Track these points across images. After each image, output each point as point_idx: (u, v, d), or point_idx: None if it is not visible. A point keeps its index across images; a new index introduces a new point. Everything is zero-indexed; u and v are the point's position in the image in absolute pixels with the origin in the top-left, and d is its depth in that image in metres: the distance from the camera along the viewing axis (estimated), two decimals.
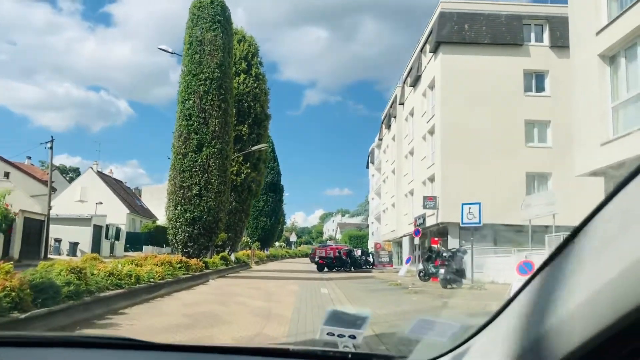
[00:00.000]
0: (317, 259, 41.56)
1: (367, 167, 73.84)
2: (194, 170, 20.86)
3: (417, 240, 26.88)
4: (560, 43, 31.52)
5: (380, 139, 56.89)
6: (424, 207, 31.31)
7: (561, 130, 30.97)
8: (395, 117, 47.32)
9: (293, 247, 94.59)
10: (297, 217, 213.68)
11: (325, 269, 32.20)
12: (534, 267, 13.66)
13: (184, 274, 16.74)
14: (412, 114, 40.65)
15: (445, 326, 1.38)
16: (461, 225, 18.04)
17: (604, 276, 0.69)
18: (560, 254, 0.82)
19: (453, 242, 30.52)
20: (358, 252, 34.73)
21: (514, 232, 31.31)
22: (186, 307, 11.15)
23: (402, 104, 44.27)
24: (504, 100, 31.17)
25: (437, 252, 21.70)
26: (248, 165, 27.98)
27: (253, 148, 26.99)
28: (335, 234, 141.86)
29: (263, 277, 23.52)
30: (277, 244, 76.58)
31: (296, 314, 10.61)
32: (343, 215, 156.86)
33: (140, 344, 1.59)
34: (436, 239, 24.05)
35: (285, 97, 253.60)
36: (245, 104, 27.81)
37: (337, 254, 32.67)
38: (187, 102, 21.17)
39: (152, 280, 13.24)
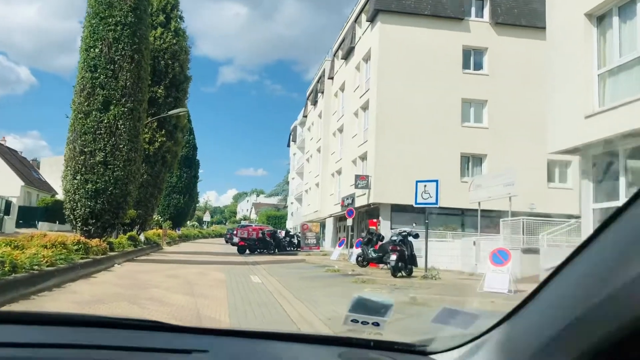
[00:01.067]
0: (236, 240, 38.78)
1: (288, 145, 71.24)
2: (98, 132, 17.33)
3: (349, 222, 24.84)
4: (501, 20, 30.34)
5: (305, 116, 54.41)
6: (356, 186, 29.26)
7: (498, 110, 29.88)
8: (322, 92, 44.93)
9: (206, 227, 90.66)
10: (209, 196, 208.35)
11: (247, 252, 29.45)
12: (510, 256, 11.59)
13: (82, 258, 13.46)
14: (342, 89, 38.41)
15: (468, 316, 1.38)
16: (415, 205, 15.95)
17: (631, 272, 0.69)
18: (587, 247, 0.81)
19: (385, 224, 28.74)
20: (282, 234, 32.17)
21: (445, 215, 30.09)
22: (81, 306, 8.13)
23: (331, 78, 41.91)
24: (442, 76, 29.59)
25: (378, 235, 19.60)
26: (163, 132, 24.49)
27: (170, 112, 23.54)
28: (250, 214, 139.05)
29: (179, 260, 20.43)
30: (189, 223, 72.55)
31: (235, 317, 7.92)
32: (258, 196, 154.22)
33: (166, 326, 1.58)
34: (375, 220, 21.98)
35: (200, 72, 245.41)
36: (162, 62, 24.22)
37: (260, 235, 29.97)
38: (92, 50, 17.50)
39: (36, 267, 10.00)
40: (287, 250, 31.13)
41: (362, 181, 28.95)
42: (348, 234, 26.65)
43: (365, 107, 32.20)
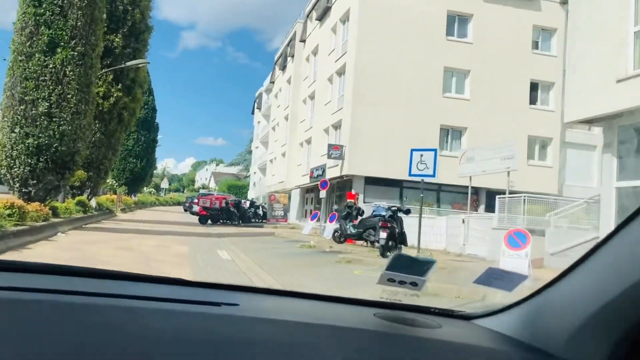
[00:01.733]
0: (196, 209, 36.64)
1: (253, 113, 68.62)
2: (42, 79, 14.81)
3: (323, 194, 23.02)
4: None
5: (272, 82, 51.89)
6: (329, 156, 27.39)
7: (481, 82, 28.37)
8: (292, 56, 42.53)
9: (163, 194, 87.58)
10: (167, 163, 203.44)
11: (209, 222, 27.37)
12: (528, 239, 9.79)
13: (15, 225, 11.21)
14: (315, 52, 36.17)
15: (514, 277, 1.31)
16: (409, 176, 14.15)
17: None
18: (628, 226, 0.81)
19: (359, 199, 27.04)
20: (246, 204, 30.08)
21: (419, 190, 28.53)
22: None
23: (303, 41, 39.53)
24: (424, 42, 27.75)
25: (358, 209, 17.86)
26: (120, 87, 21.85)
27: (129, 63, 20.93)
28: (209, 183, 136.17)
29: (134, 230, 18.22)
30: (146, 189, 69.56)
31: None
32: (217, 165, 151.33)
33: (192, 283, 1.57)
34: (353, 193, 20.23)
35: (160, 36, 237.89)
36: (121, 7, 21.46)
37: (223, 205, 27.88)
38: None
39: None
40: (252, 222, 29.15)
41: (335, 151, 27.09)
42: (323, 207, 24.85)
43: (341, 72, 30.15)
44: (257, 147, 62.42)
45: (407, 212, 15.09)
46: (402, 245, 14.20)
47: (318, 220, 21.96)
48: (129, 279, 1.56)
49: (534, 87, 29.35)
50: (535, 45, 29.47)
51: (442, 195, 28.58)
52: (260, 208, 30.72)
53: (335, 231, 17.80)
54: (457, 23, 28.72)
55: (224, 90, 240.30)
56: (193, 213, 41.17)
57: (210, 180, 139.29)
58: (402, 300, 1.41)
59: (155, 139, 47.13)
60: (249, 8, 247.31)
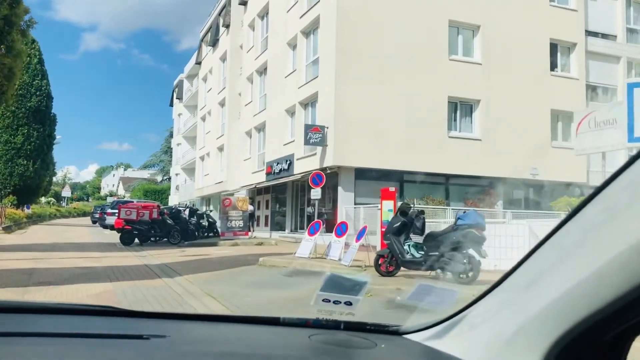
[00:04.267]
0: (109, 222, 28.11)
1: (171, 104, 59.14)
2: None
3: (316, 193, 15.42)
4: None
5: (199, 63, 43.09)
6: (307, 142, 19.68)
7: (492, 39, 21.83)
8: (227, 26, 34.27)
9: (65, 204, 75.68)
10: (68, 170, 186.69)
11: (136, 241, 18.93)
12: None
13: None
14: (264, 14, 28.21)
15: (445, 293, 1.34)
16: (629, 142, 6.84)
17: (615, 247, 0.69)
18: (561, 229, 0.81)
19: (345, 197, 19.67)
20: (186, 213, 21.64)
21: (428, 184, 21.62)
22: None
23: (243, 3, 31.29)
24: None
25: (421, 218, 10.33)
26: None
27: None
28: (118, 190, 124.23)
29: (14, 271, 9.68)
30: (43, 200, 58.37)
31: None
32: (126, 169, 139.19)
33: (120, 311, 1.50)
34: (392, 189, 12.76)
35: (59, 39, 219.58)
36: None
37: (155, 216, 19.52)
38: None
39: None
40: (198, 237, 20.85)
41: (315, 134, 19.46)
42: (315, 213, 17.04)
43: (310, 31, 22.57)
44: (179, 144, 53.23)
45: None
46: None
47: (320, 234, 14.14)
48: (41, 312, 1.47)
49: (553, 49, 23.24)
50: None
51: (450, 189, 21.78)
52: (206, 217, 22.45)
53: (382, 255, 10.25)
54: None
55: (129, 94, 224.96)
56: (106, 227, 32.10)
57: (118, 186, 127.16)
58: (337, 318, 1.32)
59: (52, 134, 36.92)
60: (154, 9, 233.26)
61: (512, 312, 0.91)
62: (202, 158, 41.00)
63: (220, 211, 20.94)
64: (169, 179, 72.27)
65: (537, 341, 0.84)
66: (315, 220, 14.47)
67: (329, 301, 1.31)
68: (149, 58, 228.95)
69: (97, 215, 42.45)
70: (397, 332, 1.34)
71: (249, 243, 19.48)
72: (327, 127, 19.63)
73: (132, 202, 30.46)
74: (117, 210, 29.30)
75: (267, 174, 25.54)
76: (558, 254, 0.82)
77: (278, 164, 24.15)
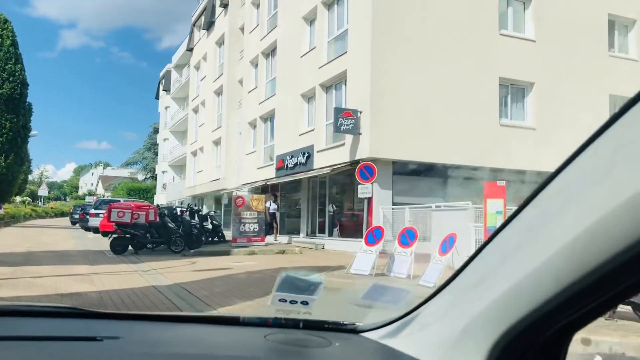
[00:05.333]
0: (93, 224, 24.86)
1: (157, 97, 55.32)
2: None
3: (366, 191, 12.21)
4: None
5: (190, 49, 39.41)
6: (337, 129, 16.34)
7: (547, 13, 18.81)
8: (226, 5, 30.77)
9: (42, 203, 71.35)
10: (45, 168, 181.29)
11: (129, 249, 15.48)
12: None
13: None
14: None
15: (399, 292, 1.39)
16: None
17: (549, 249, 0.71)
18: (503, 231, 0.84)
19: (382, 196, 16.46)
20: (186, 215, 18.16)
21: (474, 180, 18.33)
22: None
23: None
24: None
25: None
26: None
27: None
28: (97, 189, 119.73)
29: None
30: (18, 199, 54.24)
31: None
32: (105, 168, 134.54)
33: (83, 313, 1.45)
34: (500, 184, 9.59)
35: (37, 36, 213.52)
36: None
37: (153, 218, 16.11)
38: None
39: None
40: (206, 243, 17.43)
41: (346, 119, 16.15)
42: (375, 216, 13.76)
43: (332, 1, 19.30)
44: (166, 140, 49.48)
45: None
46: None
47: (382, 244, 10.82)
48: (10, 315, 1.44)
49: (610, 26, 20.29)
50: None
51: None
52: (210, 219, 19.02)
53: None
54: None
55: (108, 92, 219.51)
56: (89, 229, 28.45)
57: (98, 185, 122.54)
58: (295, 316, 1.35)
59: (27, 125, 32.91)
60: (134, 6, 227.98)
61: (459, 312, 0.92)
62: (194, 153, 37.42)
63: (232, 213, 17.45)
64: (153, 177, 68.39)
65: (482, 340, 0.85)
66: (375, 225, 11.18)
67: (286, 301, 1.31)
68: (128, 56, 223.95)
69: (77, 216, 38.63)
70: (353, 331, 1.35)
71: (268, 251, 16.10)
72: (361, 112, 16.36)
73: (119, 201, 26.88)
74: (101, 211, 25.90)
75: (278, 169, 22.20)
76: (501, 255, 0.84)
77: (292, 157, 20.83)
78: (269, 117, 24.56)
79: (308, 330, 1.35)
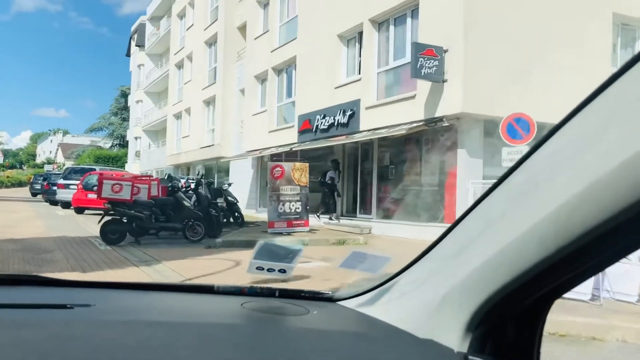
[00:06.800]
0: (64, 196, 20.51)
1: (128, 54, 49.40)
2: None
3: (513, 156, 8.05)
4: None
5: None
6: (417, 73, 11.79)
7: None
8: None
9: None
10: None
11: (127, 236, 10.83)
12: None
13: None
14: None
15: (377, 259, 1.38)
16: None
17: (535, 216, 0.71)
18: (487, 198, 0.83)
19: (469, 168, 12.23)
20: (199, 189, 13.48)
21: None
22: None
23: None
24: None
25: None
26: None
27: None
28: (56, 157, 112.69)
29: None
30: None
31: None
32: (65, 135, 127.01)
33: (42, 280, 1.40)
34: None
35: None
36: None
37: (157, 193, 11.57)
38: None
39: None
40: (226, 227, 12.91)
41: (429, 60, 11.68)
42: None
43: None
44: (140, 102, 43.98)
45: None
46: None
47: None
48: None
49: None
50: None
51: None
52: (223, 194, 14.46)
53: None
54: None
55: (67, 58, 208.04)
56: (55, 202, 23.51)
57: (57, 153, 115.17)
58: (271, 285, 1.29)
59: None
60: None
61: (439, 280, 0.92)
62: (177, 116, 32.31)
63: (269, 187, 12.84)
64: (122, 144, 62.68)
65: (461, 308, 0.85)
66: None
67: (263, 269, 1.50)
68: (88, 21, 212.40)
69: (39, 187, 33.52)
70: (330, 299, 1.33)
71: (321, 241, 11.66)
72: (446, 51, 11.95)
73: (94, 169, 21.98)
74: (71, 181, 21.03)
75: (302, 132, 17.69)
76: (483, 223, 0.83)
77: (325, 116, 16.34)
78: (284, 68, 19.86)
79: (284, 298, 1.32)
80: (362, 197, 15.84)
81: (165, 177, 12.95)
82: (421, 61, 11.75)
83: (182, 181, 14.43)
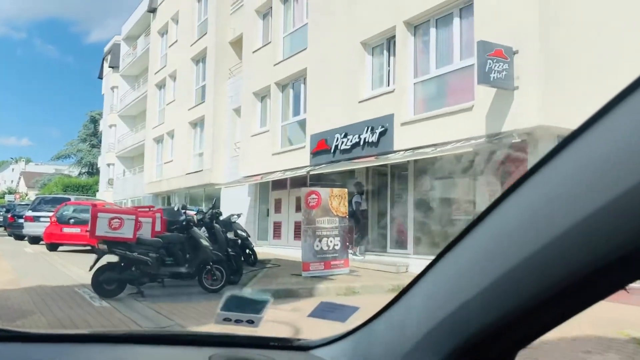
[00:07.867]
0: (35, 230, 18.13)
1: (100, 77, 46.47)
2: None
3: None
4: None
5: (152, 10, 31.34)
6: (484, 78, 9.68)
7: None
8: None
9: None
10: None
11: (128, 286, 8.26)
12: None
13: None
14: None
15: (346, 309, 1.33)
16: None
17: (507, 264, 0.68)
18: (467, 236, 0.78)
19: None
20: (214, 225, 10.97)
21: None
22: None
23: None
24: None
25: None
26: None
27: None
28: (18, 187, 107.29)
29: None
30: None
31: None
32: (27, 163, 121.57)
33: (12, 335, 1.28)
34: None
35: None
36: None
37: (161, 229, 9.06)
38: None
39: None
40: (243, 270, 10.43)
41: (497, 62, 9.62)
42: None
43: None
44: (114, 126, 41.06)
45: None
46: None
47: None
48: None
49: None
50: None
51: None
52: (235, 230, 11.95)
53: None
54: None
55: (30, 86, 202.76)
56: (22, 237, 20.63)
57: (19, 182, 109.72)
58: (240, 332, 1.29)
59: None
60: None
61: (411, 324, 0.89)
62: (157, 140, 29.61)
63: (303, 220, 10.36)
64: (90, 172, 59.32)
65: (434, 352, 0.82)
66: None
67: (230, 320, 1.26)
68: (53, 49, 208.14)
69: (0, 219, 30.23)
70: (301, 348, 1.29)
71: (374, 288, 9.25)
72: (516, 52, 9.89)
73: (69, 199, 19.23)
74: (42, 213, 18.26)
75: (316, 153, 15.39)
76: (452, 271, 0.80)
77: (346, 135, 14.10)
78: (290, 83, 17.63)
79: (255, 348, 1.29)
80: (394, 228, 13.54)
81: (178, 209, 10.35)
82: (490, 63, 9.64)
83: (192, 212, 11.86)
